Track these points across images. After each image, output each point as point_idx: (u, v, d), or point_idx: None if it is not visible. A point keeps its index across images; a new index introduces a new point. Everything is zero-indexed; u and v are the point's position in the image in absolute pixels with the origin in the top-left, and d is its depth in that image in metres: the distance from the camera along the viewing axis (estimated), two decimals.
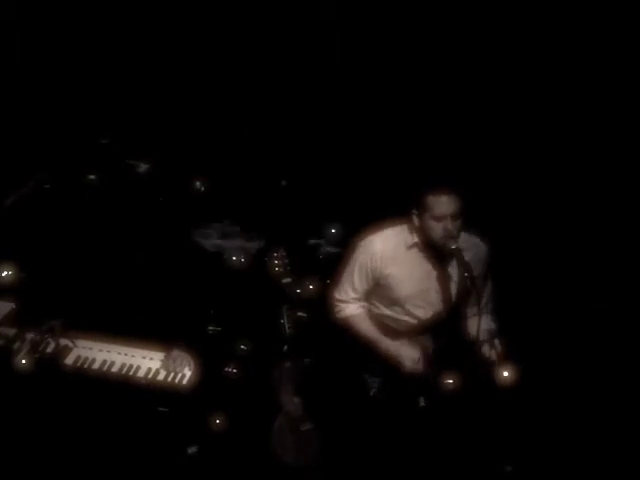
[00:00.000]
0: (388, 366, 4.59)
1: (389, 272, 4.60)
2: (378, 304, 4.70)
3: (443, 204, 4.40)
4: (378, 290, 4.67)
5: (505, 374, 4.36)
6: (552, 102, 5.67)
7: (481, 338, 4.43)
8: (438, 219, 4.41)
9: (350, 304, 4.72)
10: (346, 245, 4.84)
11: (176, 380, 4.42)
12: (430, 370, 4.53)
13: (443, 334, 4.60)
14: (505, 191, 5.73)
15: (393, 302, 4.64)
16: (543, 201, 5.72)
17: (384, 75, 5.90)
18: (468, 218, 4.49)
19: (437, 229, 4.43)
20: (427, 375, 4.52)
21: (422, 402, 4.51)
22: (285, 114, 5.99)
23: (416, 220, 4.52)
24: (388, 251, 4.61)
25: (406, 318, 4.64)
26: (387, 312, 4.67)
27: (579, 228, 5.62)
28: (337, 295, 4.74)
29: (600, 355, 5.26)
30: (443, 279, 4.55)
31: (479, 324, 4.36)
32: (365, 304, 4.73)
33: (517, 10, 5.65)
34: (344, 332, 4.74)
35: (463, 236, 4.53)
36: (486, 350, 4.43)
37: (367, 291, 4.69)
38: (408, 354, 4.55)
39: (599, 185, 5.64)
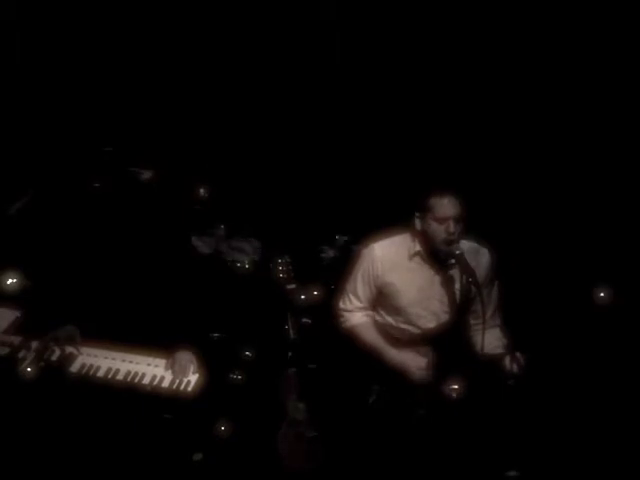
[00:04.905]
0: (391, 374, 4.58)
1: (390, 280, 4.60)
2: (382, 312, 4.70)
3: (446, 206, 4.41)
4: (381, 298, 4.66)
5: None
6: (558, 107, 5.67)
7: (492, 351, 4.43)
8: (440, 221, 4.42)
9: (355, 313, 4.72)
10: (350, 250, 4.84)
11: (181, 387, 4.42)
12: (432, 380, 4.52)
13: (446, 345, 4.57)
14: (504, 192, 5.74)
15: (395, 311, 4.64)
16: (543, 203, 5.73)
17: (385, 76, 5.89)
18: (470, 222, 4.49)
19: (439, 232, 4.43)
20: (428, 386, 4.51)
21: (421, 411, 4.50)
22: (285, 115, 5.98)
23: (418, 224, 4.52)
24: (389, 259, 4.61)
25: (409, 327, 4.63)
26: (390, 321, 4.67)
27: (579, 229, 5.63)
28: (342, 304, 4.74)
29: (601, 356, 5.27)
30: (446, 287, 4.55)
31: (483, 335, 4.37)
32: (370, 313, 4.73)
33: (517, 11, 5.64)
34: (347, 339, 4.74)
35: (465, 244, 4.53)
36: (508, 363, 4.41)
37: (371, 299, 4.69)
38: (414, 362, 4.55)
39: (600, 187, 5.65)
